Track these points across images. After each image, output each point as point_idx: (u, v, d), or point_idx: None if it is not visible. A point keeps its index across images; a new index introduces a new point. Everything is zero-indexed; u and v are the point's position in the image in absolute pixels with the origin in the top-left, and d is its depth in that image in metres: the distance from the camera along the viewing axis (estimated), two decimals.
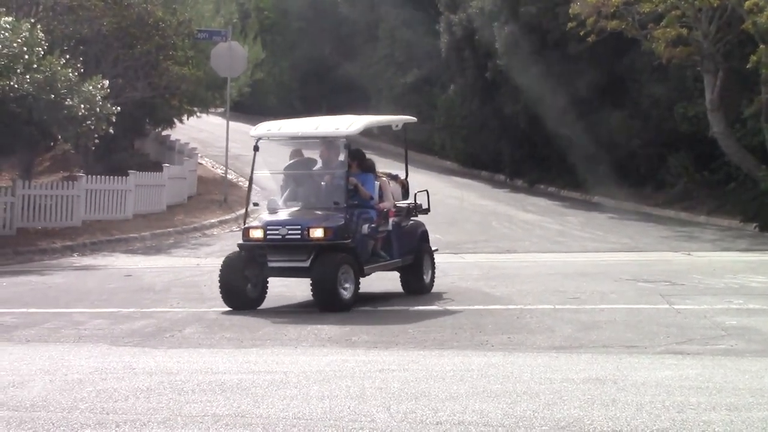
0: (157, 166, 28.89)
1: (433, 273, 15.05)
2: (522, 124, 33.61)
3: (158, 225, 25.19)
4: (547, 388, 8.27)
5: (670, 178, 29.42)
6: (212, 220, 26.49)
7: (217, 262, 14.17)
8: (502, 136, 35.34)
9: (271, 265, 13.51)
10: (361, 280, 13.83)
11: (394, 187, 14.89)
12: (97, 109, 21.62)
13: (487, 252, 21.02)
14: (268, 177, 15.29)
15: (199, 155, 34.99)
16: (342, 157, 14.02)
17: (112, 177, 25.48)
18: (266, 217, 13.78)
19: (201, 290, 15.47)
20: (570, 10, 27.01)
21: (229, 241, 20.56)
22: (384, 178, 14.72)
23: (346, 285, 13.25)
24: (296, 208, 13.90)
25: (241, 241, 13.85)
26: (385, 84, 41.12)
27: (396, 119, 16.27)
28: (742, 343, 10.74)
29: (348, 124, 14.19)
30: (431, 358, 10.10)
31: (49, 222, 23.55)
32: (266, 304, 13.93)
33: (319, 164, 14.39)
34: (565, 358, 9.99)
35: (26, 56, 20.83)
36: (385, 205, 14.29)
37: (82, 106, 21.21)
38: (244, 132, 15.80)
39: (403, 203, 14.96)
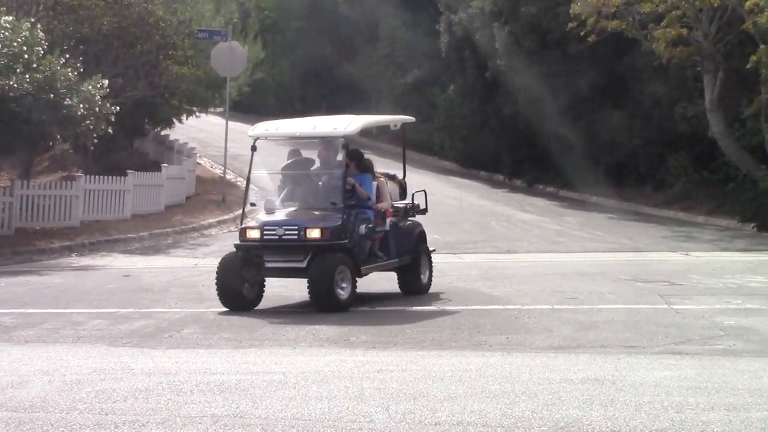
0: (155, 166, 28.88)
1: (431, 273, 15.05)
2: (521, 124, 33.62)
3: (156, 225, 25.18)
4: (545, 389, 8.26)
5: (669, 178, 29.43)
6: (211, 220, 26.48)
7: (215, 263, 14.16)
8: (502, 136, 35.34)
9: (268, 265, 13.50)
10: (360, 280, 13.83)
11: (392, 188, 14.87)
12: (97, 109, 21.61)
13: (485, 252, 21.01)
14: (267, 177, 15.28)
15: (198, 155, 34.98)
16: (340, 157, 14.00)
17: (110, 177, 25.47)
18: (263, 217, 13.77)
19: (199, 290, 15.46)
20: (570, 10, 27.01)
21: (227, 242, 20.55)
22: (382, 179, 14.70)
23: (343, 285, 13.24)
24: (293, 209, 13.89)
25: (238, 242, 13.84)
26: (385, 84, 41.12)
27: (394, 119, 16.26)
28: (741, 343, 10.75)
29: (346, 124, 14.18)
30: (429, 358, 10.10)
31: (48, 222, 23.54)
32: (264, 304, 13.92)
33: (317, 164, 14.38)
34: (563, 358, 9.99)
35: (26, 56, 20.82)
36: (383, 205, 14.28)
37: (82, 105, 21.20)
38: (243, 132, 15.80)
39: (400, 203, 14.95)
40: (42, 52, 21.42)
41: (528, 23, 31.42)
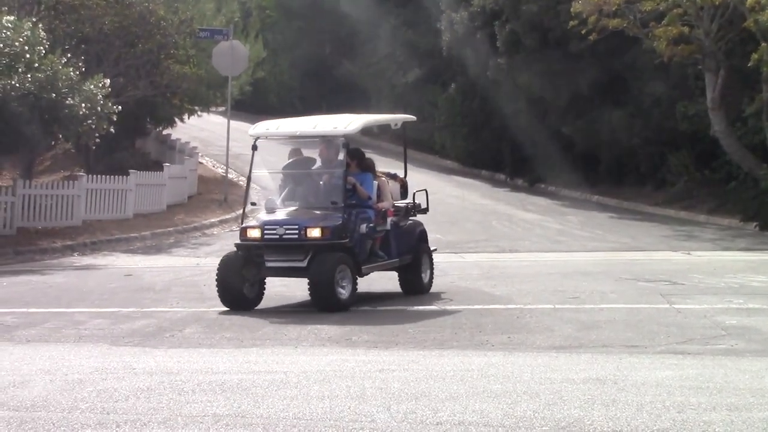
0: (157, 166, 28.89)
1: (432, 273, 15.04)
2: (523, 122, 33.61)
3: (158, 224, 25.20)
4: (547, 388, 8.26)
5: (671, 177, 29.42)
6: (212, 220, 26.49)
7: (217, 262, 14.16)
8: (503, 135, 35.33)
9: (268, 264, 13.50)
10: (361, 279, 13.83)
11: (393, 187, 14.87)
12: (98, 108, 21.62)
13: (487, 251, 21.01)
14: (267, 176, 15.28)
15: (200, 154, 34.99)
16: (341, 156, 13.99)
17: (112, 176, 25.48)
18: (264, 216, 13.77)
19: (201, 290, 15.46)
20: (571, 9, 27.00)
21: (229, 241, 20.52)
22: (383, 178, 14.69)
23: (344, 285, 13.23)
24: (294, 208, 13.88)
25: (238, 241, 13.84)
26: (385, 83, 41.10)
27: (395, 118, 16.26)
28: (743, 342, 10.74)
29: (346, 123, 14.17)
30: (431, 358, 10.10)
31: (50, 221, 23.55)
32: (266, 303, 13.93)
33: (318, 163, 14.37)
34: (565, 357, 9.99)
35: (28, 55, 20.83)
36: (384, 204, 14.27)
37: (83, 105, 21.21)
38: (244, 131, 15.82)
39: (401, 203, 14.94)
40: (44, 52, 21.43)
41: (529, 22, 31.41)
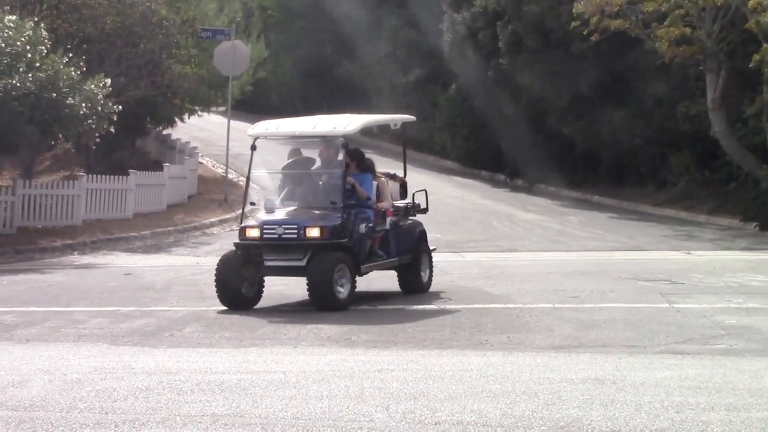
0: (157, 166, 28.90)
1: (431, 272, 15.04)
2: (523, 123, 33.61)
3: (158, 224, 25.20)
4: (546, 388, 8.26)
5: (671, 177, 29.42)
6: (212, 219, 26.50)
7: (216, 261, 14.16)
8: (504, 135, 35.32)
9: (267, 264, 13.50)
10: (360, 279, 13.83)
11: (392, 187, 14.87)
12: (99, 108, 21.62)
13: (487, 251, 21.01)
14: (267, 176, 15.28)
15: (200, 154, 35.00)
16: (340, 156, 13.99)
17: (112, 176, 25.49)
18: (263, 216, 13.78)
19: (201, 289, 15.47)
20: (573, 9, 27.01)
21: (229, 240, 20.50)
22: (383, 178, 14.69)
23: (342, 284, 13.23)
24: (293, 208, 13.89)
25: (237, 240, 13.84)
26: (386, 83, 41.09)
27: (395, 118, 16.24)
28: (742, 342, 10.74)
29: (346, 123, 14.16)
30: (430, 357, 10.10)
31: (50, 221, 23.55)
32: (265, 302, 13.93)
33: (318, 163, 14.38)
34: (564, 357, 9.99)
35: (29, 55, 20.83)
36: (383, 204, 14.27)
37: (84, 105, 21.21)
38: (245, 131, 15.82)
39: (401, 203, 14.94)
40: (45, 51, 21.43)
41: (531, 22, 31.40)
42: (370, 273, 14.48)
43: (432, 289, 14.90)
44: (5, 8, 22.98)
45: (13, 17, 21.59)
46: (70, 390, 8.41)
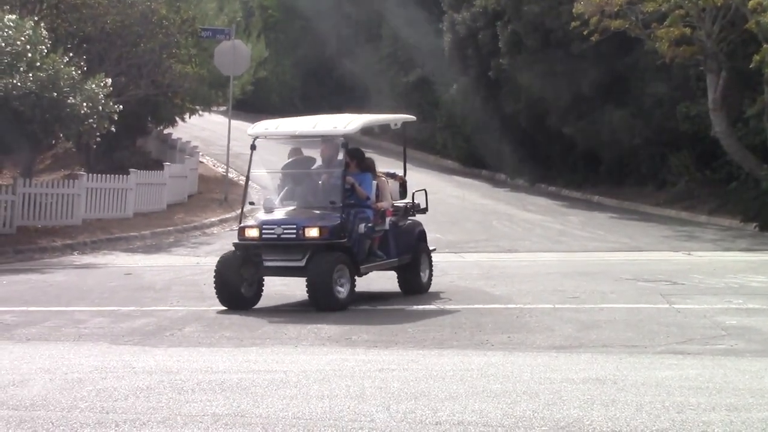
0: (158, 165, 28.89)
1: (431, 272, 15.03)
2: (524, 123, 33.63)
3: (159, 224, 25.20)
4: (546, 388, 8.26)
5: (671, 177, 29.43)
6: (213, 219, 26.50)
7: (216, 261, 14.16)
8: (504, 135, 35.33)
9: (266, 264, 13.49)
10: (360, 279, 13.82)
11: (392, 186, 14.85)
12: (100, 108, 21.62)
13: (487, 251, 21.01)
14: (268, 176, 15.27)
15: (201, 154, 34.99)
16: (340, 156, 13.98)
17: (112, 175, 25.49)
18: (262, 216, 13.77)
19: (201, 289, 15.46)
20: (573, 10, 27.02)
21: (229, 240, 20.48)
22: (383, 178, 14.68)
23: (342, 284, 13.22)
24: (292, 208, 13.87)
25: (236, 240, 13.84)
26: (387, 83, 41.11)
27: (395, 118, 16.23)
28: (742, 343, 10.74)
29: (346, 122, 14.14)
30: (431, 357, 10.10)
31: (50, 220, 23.55)
32: (266, 302, 13.93)
33: (319, 163, 14.37)
34: (564, 357, 9.98)
35: (29, 54, 20.84)
36: (383, 204, 14.26)
37: (84, 104, 21.22)
38: (245, 130, 15.81)
39: (400, 202, 14.93)
40: (45, 51, 21.43)
41: (531, 22, 31.41)
42: (370, 273, 14.47)
43: (432, 289, 14.89)
44: (5, 8, 22.98)
45: (13, 17, 21.58)
46: (70, 389, 8.41)
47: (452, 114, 37.44)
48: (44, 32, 21.84)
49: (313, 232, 13.28)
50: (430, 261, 15.07)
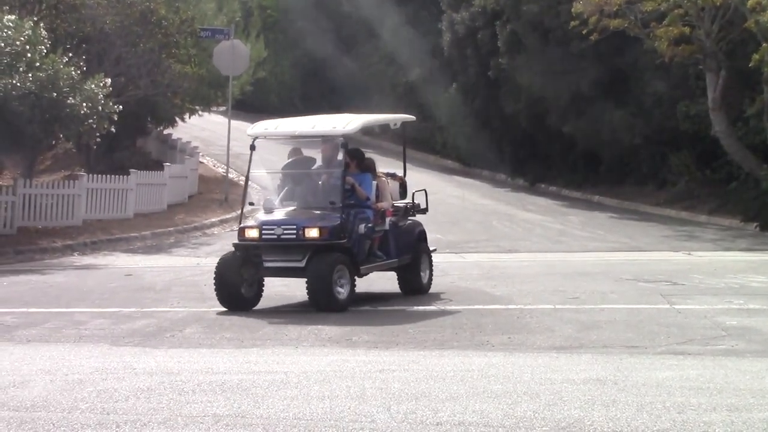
0: (158, 165, 28.89)
1: (431, 273, 15.02)
2: (523, 122, 33.63)
3: (159, 224, 25.20)
4: (547, 389, 8.26)
5: (672, 177, 29.44)
6: (213, 219, 26.50)
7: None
8: (504, 135, 35.35)
9: (266, 264, 13.48)
10: (360, 280, 13.82)
11: (392, 187, 14.85)
12: (99, 108, 21.63)
13: (487, 251, 21.01)
14: (268, 176, 15.27)
15: (201, 154, 34.99)
16: (340, 156, 13.97)
17: (113, 176, 25.49)
18: (262, 216, 13.76)
19: (201, 290, 15.46)
20: (572, 9, 27.03)
21: (229, 241, 20.47)
22: (383, 178, 14.67)
23: (342, 285, 13.20)
24: (292, 208, 13.86)
25: (236, 241, 13.83)
26: (386, 82, 41.11)
27: (395, 118, 16.22)
28: (743, 343, 10.74)
29: (345, 122, 14.13)
30: (431, 358, 10.10)
31: (50, 221, 23.55)
32: (266, 303, 13.92)
33: (319, 163, 14.36)
34: (565, 358, 9.98)
35: (29, 54, 20.83)
36: (383, 204, 14.25)
37: (84, 104, 21.22)
38: (245, 131, 15.81)
39: (400, 203, 14.92)
40: (45, 51, 21.43)
41: (530, 22, 31.42)
42: (371, 274, 14.47)
43: (432, 290, 14.89)
44: (4, 8, 22.98)
45: (12, 17, 21.58)
46: (71, 390, 8.41)
47: (452, 114, 37.44)
48: (43, 32, 21.84)
49: (313, 233, 13.27)
50: (431, 261, 15.06)
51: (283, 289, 14.90)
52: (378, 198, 14.29)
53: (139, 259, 20.87)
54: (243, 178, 31.10)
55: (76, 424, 7.29)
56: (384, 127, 17.71)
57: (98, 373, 9.28)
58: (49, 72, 20.77)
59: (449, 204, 27.85)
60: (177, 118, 33.16)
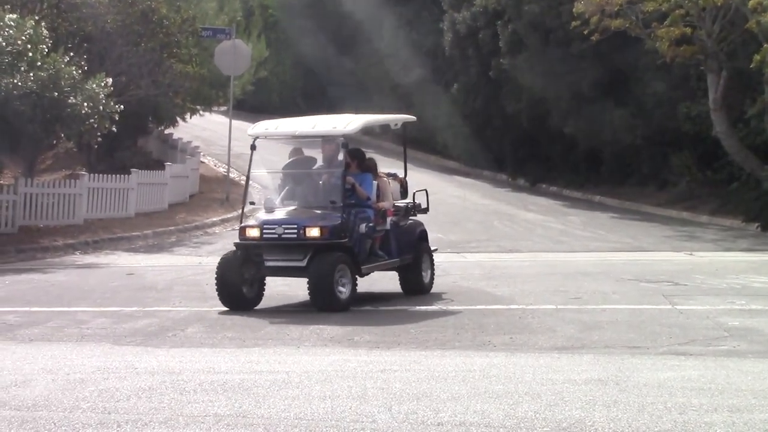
0: (159, 165, 28.91)
1: (433, 273, 15.02)
2: (524, 123, 33.64)
3: (160, 223, 25.21)
4: (548, 389, 8.26)
5: (673, 177, 29.45)
6: (214, 219, 26.51)
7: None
8: (505, 135, 35.35)
9: (267, 264, 13.48)
10: (362, 279, 13.82)
11: (393, 187, 14.85)
12: (100, 107, 21.63)
13: (489, 251, 21.01)
14: (268, 176, 15.27)
15: (202, 154, 35.01)
16: (340, 156, 13.98)
17: (114, 175, 25.50)
18: (263, 216, 13.76)
19: (203, 289, 15.46)
20: (573, 9, 27.03)
21: (230, 240, 20.47)
22: (384, 178, 14.67)
23: (343, 285, 13.20)
24: (293, 207, 13.86)
25: (237, 240, 13.83)
26: (388, 82, 41.12)
27: (395, 118, 16.21)
28: (745, 344, 10.74)
29: (346, 123, 14.13)
30: (433, 358, 10.10)
31: (52, 220, 23.56)
32: (268, 303, 13.93)
33: (320, 163, 14.37)
34: (567, 358, 9.98)
35: (30, 54, 20.83)
36: (384, 204, 14.25)
37: (85, 104, 21.23)
38: (246, 130, 15.82)
39: (401, 203, 14.92)
40: (46, 50, 21.43)
41: (531, 22, 31.43)
42: (372, 274, 14.47)
43: (434, 290, 14.89)
44: (6, 7, 22.97)
45: (14, 16, 21.57)
46: (72, 390, 8.41)
47: (453, 114, 37.45)
48: (45, 32, 21.84)
49: (314, 232, 13.27)
50: (432, 261, 15.06)
51: (285, 288, 14.90)
52: (379, 198, 14.28)
53: (140, 258, 20.87)
54: (244, 178, 31.19)
55: (78, 424, 7.30)
56: (385, 128, 17.69)
57: (100, 373, 9.29)
58: (51, 71, 20.78)
59: (450, 204, 27.86)
60: (178, 118, 33.18)
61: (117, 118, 22.25)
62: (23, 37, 20.80)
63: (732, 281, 15.80)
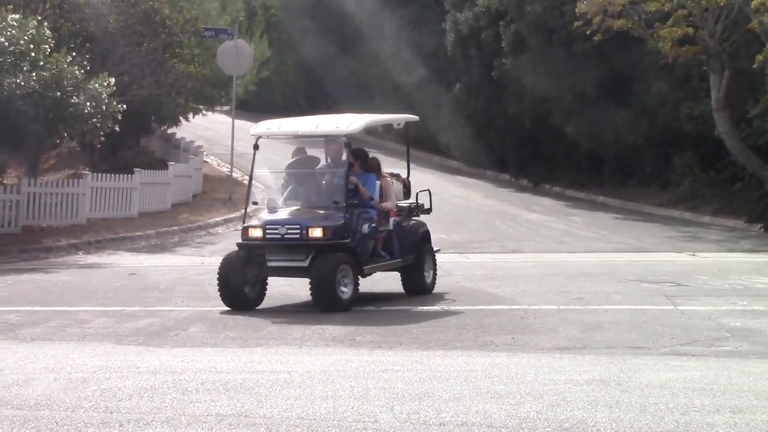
0: (162, 164, 28.91)
1: (435, 273, 15.01)
2: (527, 123, 33.63)
3: (163, 223, 25.21)
4: (550, 390, 8.26)
5: (675, 177, 29.43)
6: (217, 219, 26.51)
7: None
8: (508, 135, 35.34)
9: (270, 264, 13.48)
10: (364, 280, 13.81)
11: (396, 187, 14.85)
12: (103, 107, 21.65)
13: (491, 252, 21.01)
14: (271, 176, 15.28)
15: (205, 153, 35.01)
16: (343, 156, 13.98)
17: (117, 175, 25.51)
18: (265, 216, 13.76)
19: (205, 289, 15.48)
20: (576, 9, 27.02)
21: (233, 240, 20.46)
22: (387, 178, 14.67)
23: (345, 285, 13.21)
24: (296, 208, 13.87)
25: (240, 240, 13.84)
26: (390, 82, 41.12)
27: (398, 118, 16.22)
28: (747, 344, 10.73)
29: (348, 122, 14.13)
30: (435, 358, 10.10)
31: (54, 220, 23.57)
32: (270, 303, 13.93)
33: (323, 163, 14.37)
34: (569, 359, 9.98)
35: (33, 53, 20.85)
36: (387, 204, 14.25)
37: (88, 103, 21.24)
38: (249, 130, 15.83)
39: (404, 203, 14.92)
40: (49, 50, 21.45)
41: (534, 22, 31.42)
42: (375, 274, 14.47)
43: (436, 290, 14.89)
44: (8, 7, 22.99)
45: (17, 16, 21.60)
46: (74, 389, 8.42)
47: (456, 114, 37.45)
48: (47, 31, 21.85)
49: (316, 232, 13.27)
50: (435, 261, 15.05)
51: (287, 288, 14.91)
52: (382, 198, 14.28)
53: (143, 258, 20.88)
54: (247, 178, 31.20)
55: (80, 423, 7.30)
56: (387, 127, 17.70)
57: (102, 372, 9.30)
58: (53, 71, 20.79)
59: (453, 204, 27.85)
60: (181, 118, 33.18)
61: (120, 118, 22.27)
62: (26, 37, 20.82)
63: (734, 282, 15.79)
